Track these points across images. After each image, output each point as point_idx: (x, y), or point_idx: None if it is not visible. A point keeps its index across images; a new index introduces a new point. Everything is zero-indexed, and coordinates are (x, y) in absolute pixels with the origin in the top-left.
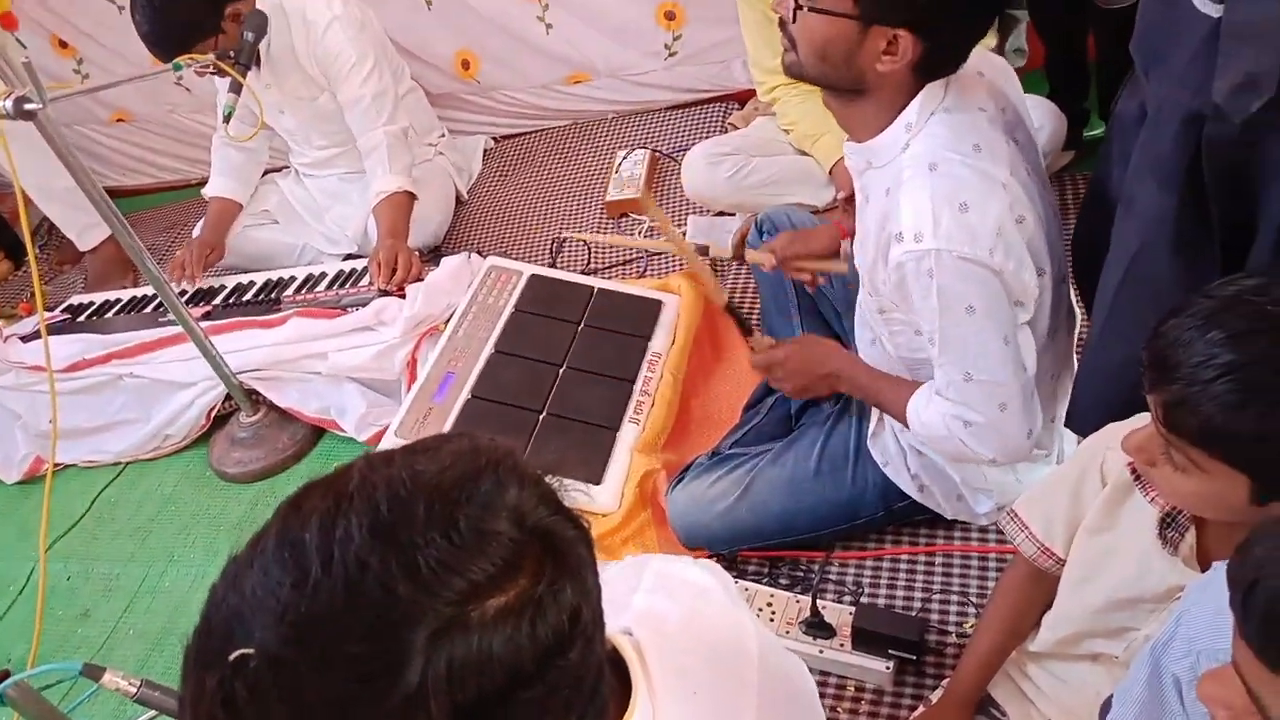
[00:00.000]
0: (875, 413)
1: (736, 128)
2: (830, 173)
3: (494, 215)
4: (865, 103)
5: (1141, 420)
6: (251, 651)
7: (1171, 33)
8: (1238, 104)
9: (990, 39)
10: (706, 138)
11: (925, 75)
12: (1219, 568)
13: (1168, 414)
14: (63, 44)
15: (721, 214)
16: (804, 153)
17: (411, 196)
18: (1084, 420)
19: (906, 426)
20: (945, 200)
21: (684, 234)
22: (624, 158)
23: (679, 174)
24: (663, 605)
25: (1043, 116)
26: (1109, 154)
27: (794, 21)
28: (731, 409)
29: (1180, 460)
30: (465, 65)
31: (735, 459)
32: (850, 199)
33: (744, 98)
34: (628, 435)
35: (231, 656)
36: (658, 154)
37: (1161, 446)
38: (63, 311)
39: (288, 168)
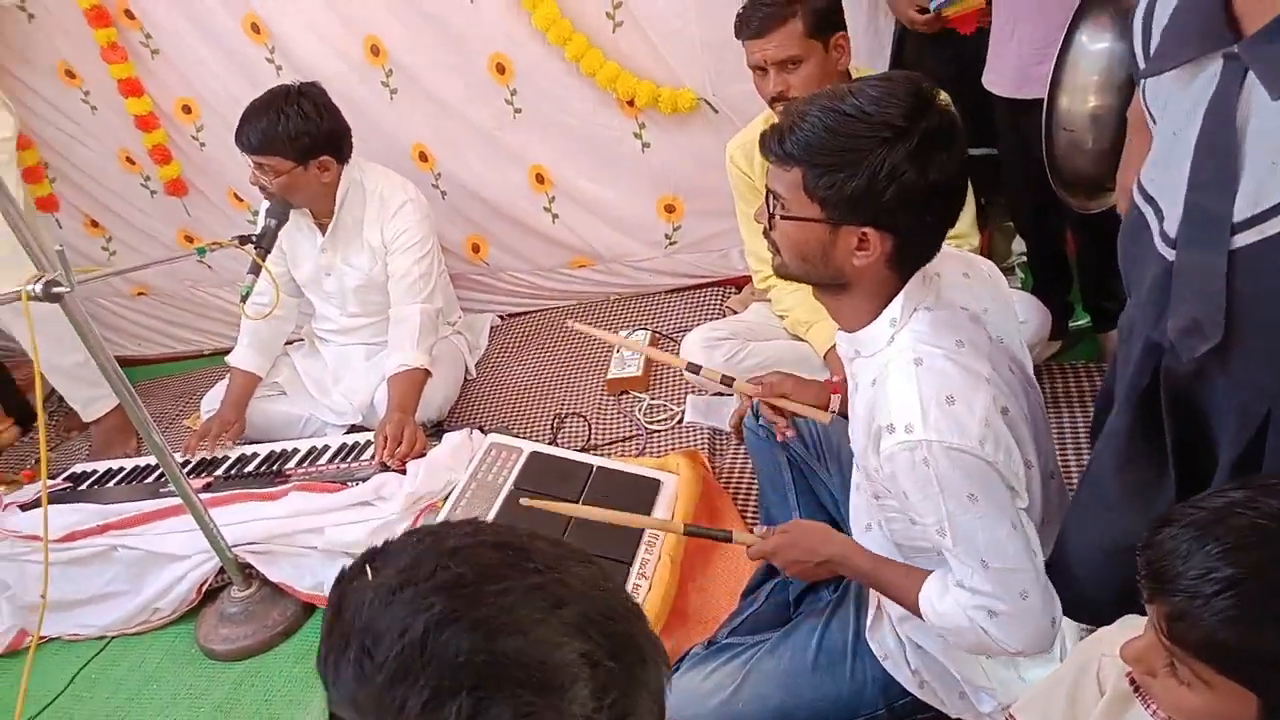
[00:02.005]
0: (873, 603)
1: (734, 311)
2: (825, 358)
3: (498, 391)
4: (850, 296)
5: (1135, 626)
6: None
7: (1140, 260)
8: (1186, 346)
9: (974, 238)
10: (705, 320)
11: (902, 266)
12: None
13: (1170, 626)
14: (94, 224)
15: (719, 394)
16: (799, 338)
17: (427, 374)
18: (1065, 601)
19: (919, 616)
20: (932, 394)
21: (683, 414)
22: (625, 338)
23: (678, 354)
24: None
25: (1027, 310)
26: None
27: (773, 229)
28: (729, 594)
29: (1185, 674)
30: (475, 249)
31: (732, 649)
32: (843, 382)
33: (741, 283)
34: None
35: None
36: (658, 335)
37: (1163, 658)
38: (65, 479)
39: (300, 340)
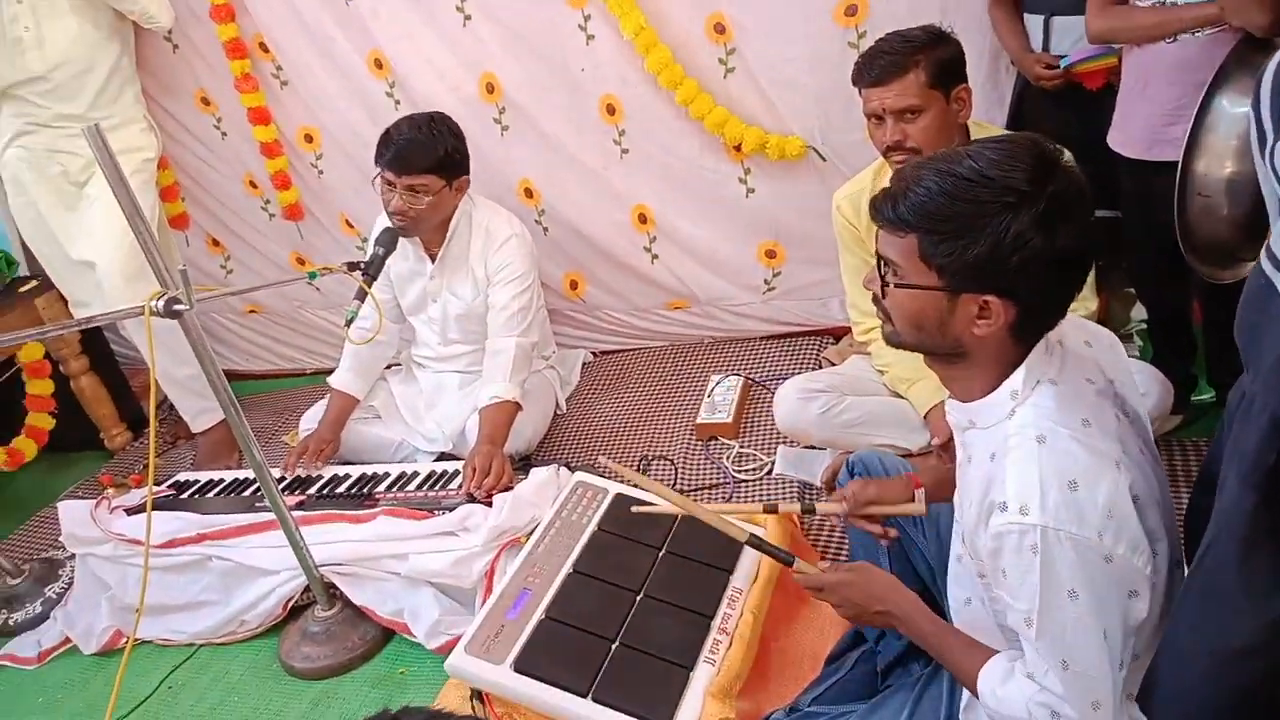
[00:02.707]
0: None
1: (831, 363)
2: (925, 417)
3: (587, 429)
4: (967, 365)
5: None
6: None
7: (1266, 329)
8: None
9: (1091, 302)
10: (800, 370)
11: (1024, 335)
12: None
13: None
14: (215, 242)
15: (811, 448)
16: (898, 394)
17: (518, 407)
18: (1160, 710)
19: (972, 691)
20: (1054, 476)
21: (772, 464)
22: (717, 382)
23: (770, 403)
24: None
25: (1148, 382)
26: (1220, 436)
27: (885, 297)
28: (814, 658)
29: None
30: (573, 285)
31: (815, 718)
32: (945, 446)
33: (839, 333)
34: (702, 676)
35: None
36: (751, 381)
37: None
38: (169, 486)
39: (398, 365)
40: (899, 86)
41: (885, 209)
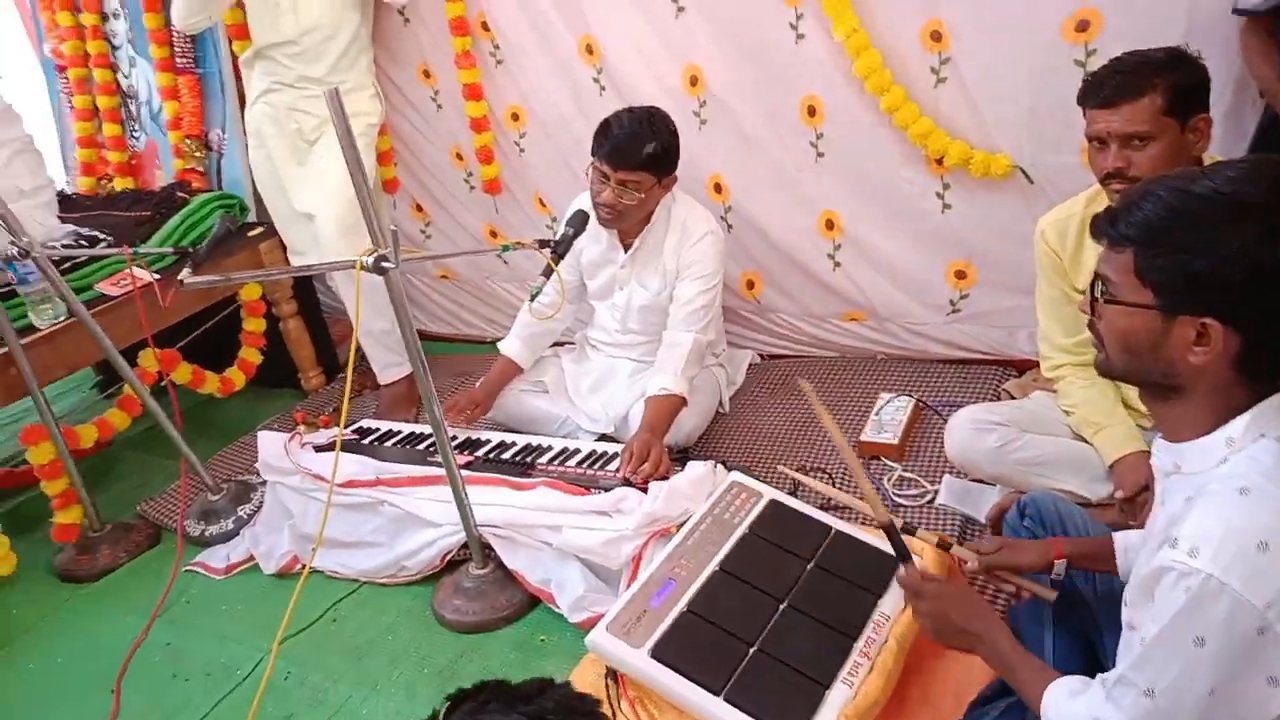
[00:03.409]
0: None
1: (1012, 396)
2: (1111, 468)
3: (747, 430)
4: (1183, 401)
5: None
6: None
7: None
8: None
9: None
10: (977, 399)
11: (1249, 374)
12: None
13: None
14: (419, 208)
15: (979, 481)
16: (1082, 438)
17: (684, 402)
18: None
19: (1035, 709)
20: (1244, 531)
21: (936, 493)
22: (886, 401)
23: (941, 429)
24: None
25: None
26: None
27: (1099, 317)
28: (957, 700)
29: None
30: (750, 285)
31: None
32: (1129, 500)
33: (1022, 365)
34: (837, 697)
35: None
36: (922, 405)
37: None
38: (353, 431)
39: (572, 344)
40: (1130, 110)
41: (1104, 224)
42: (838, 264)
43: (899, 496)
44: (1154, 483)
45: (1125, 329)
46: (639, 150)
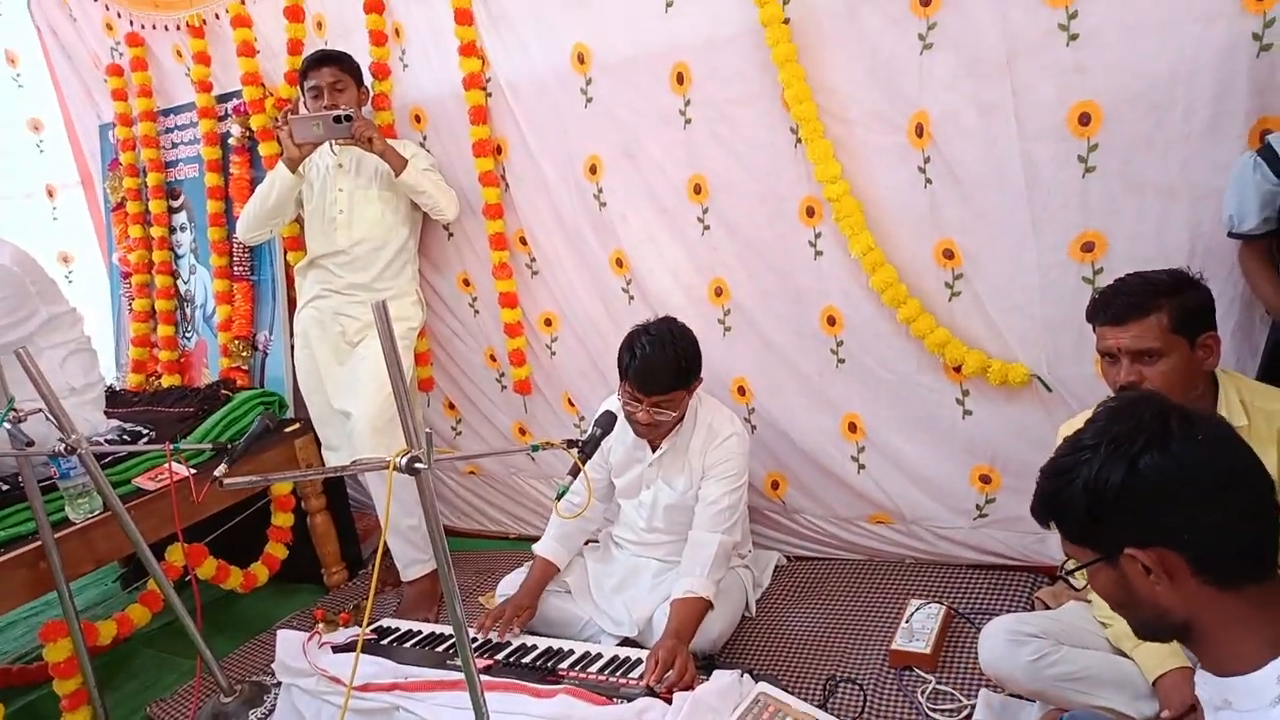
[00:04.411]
0: None
1: (1046, 605)
2: (1154, 684)
3: (774, 635)
4: (1201, 636)
5: None
6: None
7: None
8: None
9: None
10: (1009, 607)
11: (1224, 581)
12: None
13: None
14: (451, 406)
15: (1017, 697)
16: (1122, 652)
17: (710, 605)
18: None
19: None
20: None
21: (972, 708)
22: (917, 608)
23: (974, 638)
24: None
25: None
26: None
27: (1079, 589)
28: None
29: None
30: (775, 485)
31: None
32: None
33: (1054, 572)
34: None
35: None
36: (954, 612)
37: None
38: (372, 630)
39: (596, 542)
40: (1138, 328)
41: (1036, 513)
42: (862, 466)
43: (934, 712)
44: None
45: (1102, 589)
46: (667, 374)
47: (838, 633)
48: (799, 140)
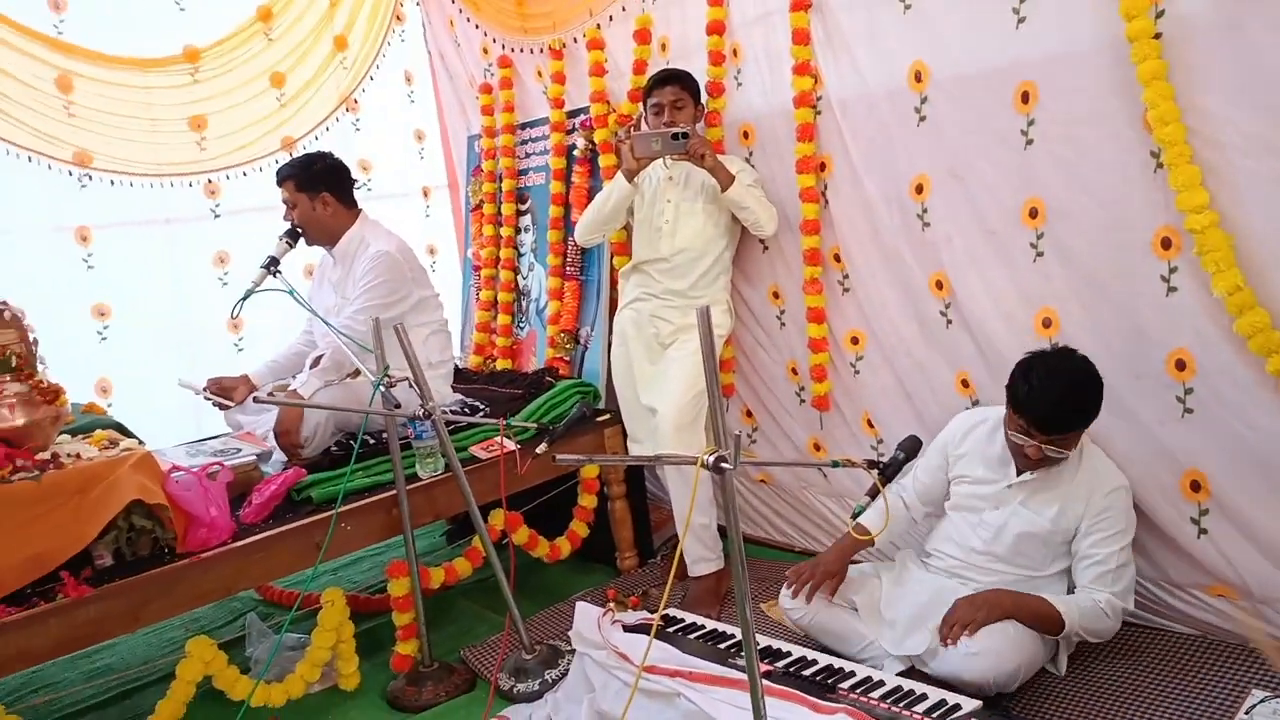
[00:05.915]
0: None
1: None
2: None
3: (1086, 691)
4: None
5: None
6: None
7: None
8: None
9: None
10: None
11: None
12: None
13: None
14: (748, 413)
15: None
16: None
17: (1060, 627)
18: None
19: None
20: None
21: None
22: (1259, 700)
23: None
24: None
25: None
26: None
27: None
28: None
29: None
30: None
31: None
32: None
33: None
34: None
35: None
36: None
37: None
38: (660, 617)
39: (892, 561)
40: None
41: None
42: (1203, 530)
43: None
44: None
45: None
46: (1067, 415)
47: (1162, 707)
48: (1159, 165)
